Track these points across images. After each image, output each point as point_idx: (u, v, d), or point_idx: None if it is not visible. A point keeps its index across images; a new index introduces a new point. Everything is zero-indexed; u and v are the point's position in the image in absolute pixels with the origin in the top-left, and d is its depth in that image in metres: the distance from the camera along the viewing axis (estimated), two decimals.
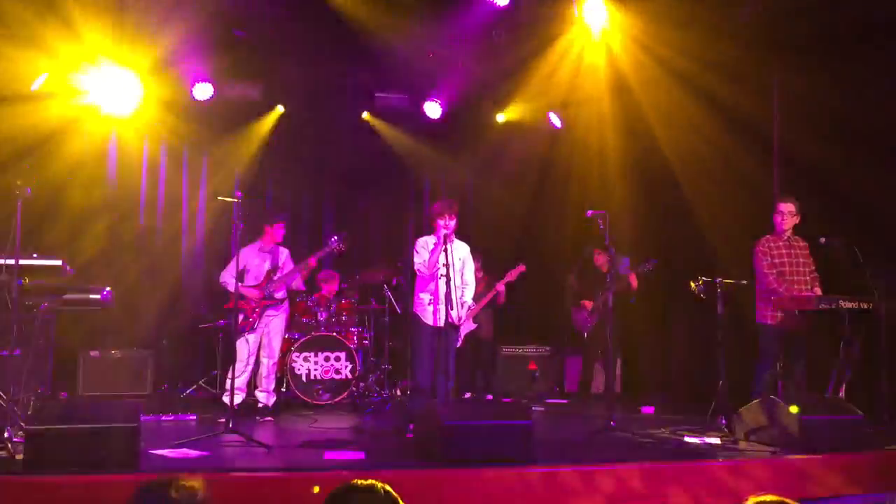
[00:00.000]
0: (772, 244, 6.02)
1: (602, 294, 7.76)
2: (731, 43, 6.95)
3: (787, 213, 5.99)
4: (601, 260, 8.00)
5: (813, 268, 6.04)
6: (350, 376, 7.31)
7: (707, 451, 4.97)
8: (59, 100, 7.40)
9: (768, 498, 2.06)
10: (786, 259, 5.97)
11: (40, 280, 4.95)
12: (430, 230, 5.85)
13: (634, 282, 7.61)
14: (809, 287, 5.95)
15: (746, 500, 2.10)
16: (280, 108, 8.93)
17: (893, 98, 6.36)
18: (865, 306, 5.62)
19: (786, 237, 6.02)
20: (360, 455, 4.63)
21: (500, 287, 7.70)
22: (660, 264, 7.74)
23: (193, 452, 4.62)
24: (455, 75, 8.47)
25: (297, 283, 7.17)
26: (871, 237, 6.03)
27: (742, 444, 5.16)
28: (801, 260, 6.01)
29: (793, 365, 5.94)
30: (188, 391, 7.68)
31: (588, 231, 7.33)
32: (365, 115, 9.31)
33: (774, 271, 5.90)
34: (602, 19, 7.06)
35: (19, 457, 4.05)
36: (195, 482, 2.16)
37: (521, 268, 7.65)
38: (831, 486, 4.55)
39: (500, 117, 9.48)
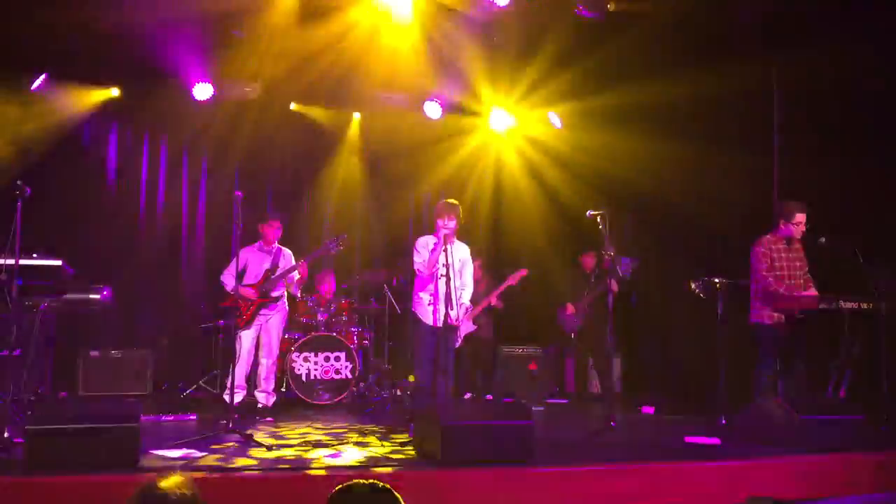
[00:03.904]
0: (772, 245, 5.99)
1: (586, 295, 7.75)
2: (731, 39, 6.96)
3: (797, 224, 5.91)
4: (588, 262, 7.99)
5: (807, 269, 6.03)
6: (350, 376, 7.31)
7: (707, 451, 4.96)
8: None
9: (767, 498, 2.07)
10: (784, 262, 5.96)
11: (40, 280, 4.95)
12: (431, 230, 5.85)
13: (615, 286, 7.57)
14: (804, 288, 5.95)
15: (745, 500, 2.11)
16: (292, 106, 8.95)
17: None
18: (865, 306, 5.62)
19: (785, 240, 6.00)
20: (360, 455, 4.63)
21: (494, 300, 7.70)
22: (659, 264, 7.74)
23: (193, 452, 4.62)
24: (456, 75, 8.47)
25: (293, 288, 7.14)
26: (871, 237, 6.02)
27: (742, 444, 5.15)
28: (798, 263, 6.00)
29: (792, 365, 5.93)
30: (188, 391, 7.68)
31: (588, 231, 7.34)
32: (364, 115, 9.31)
33: (773, 273, 5.89)
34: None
35: (19, 457, 4.05)
36: (186, 481, 2.17)
37: (523, 272, 7.62)
38: (831, 486, 4.54)
39: (499, 118, 9.49)
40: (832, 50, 6.34)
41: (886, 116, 6.45)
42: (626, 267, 7.38)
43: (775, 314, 5.88)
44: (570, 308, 7.88)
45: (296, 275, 6.82)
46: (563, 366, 8.83)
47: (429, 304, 5.70)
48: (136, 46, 7.51)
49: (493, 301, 7.71)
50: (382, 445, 5.04)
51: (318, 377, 7.25)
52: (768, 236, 6.03)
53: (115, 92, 8.37)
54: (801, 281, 5.99)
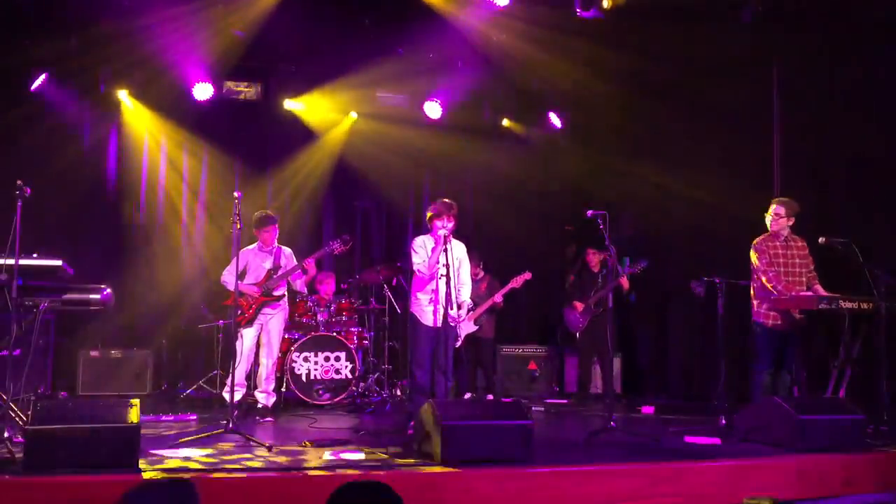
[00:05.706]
0: (769, 242, 6.00)
1: (593, 294, 7.77)
2: (732, 39, 6.96)
3: (775, 216, 5.95)
4: (594, 260, 8.00)
5: (812, 267, 6.02)
6: (350, 376, 7.31)
7: (707, 451, 4.96)
8: None
9: (766, 499, 2.08)
10: (782, 260, 5.96)
11: (40, 280, 4.94)
12: (428, 230, 5.84)
13: (626, 283, 7.59)
14: (807, 287, 5.94)
15: (744, 500, 2.11)
16: (292, 105, 8.94)
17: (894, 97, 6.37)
18: (865, 306, 5.62)
19: (783, 237, 6.00)
20: (360, 455, 4.63)
21: (498, 298, 7.70)
22: (659, 264, 7.74)
23: (193, 452, 4.62)
24: (456, 76, 8.48)
25: (300, 285, 7.15)
26: (871, 237, 6.02)
27: (742, 444, 5.15)
28: (798, 261, 5.99)
29: (791, 365, 5.93)
30: (188, 391, 7.68)
31: (588, 231, 7.34)
32: (364, 115, 9.31)
33: (773, 269, 5.89)
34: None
35: (19, 457, 4.05)
36: (188, 482, 2.17)
37: (527, 275, 7.61)
38: (831, 486, 4.54)
39: (503, 120, 9.52)
40: (832, 48, 6.35)
41: (887, 115, 6.45)
42: (634, 266, 7.38)
43: (772, 313, 5.87)
44: (580, 306, 7.89)
45: (302, 273, 6.83)
46: (562, 366, 8.84)
47: (428, 305, 5.68)
48: (136, 46, 7.52)
49: (497, 299, 7.70)
50: (382, 445, 5.03)
51: (318, 377, 7.25)
52: (765, 234, 6.06)
53: (115, 92, 8.38)
54: (804, 279, 5.98)
